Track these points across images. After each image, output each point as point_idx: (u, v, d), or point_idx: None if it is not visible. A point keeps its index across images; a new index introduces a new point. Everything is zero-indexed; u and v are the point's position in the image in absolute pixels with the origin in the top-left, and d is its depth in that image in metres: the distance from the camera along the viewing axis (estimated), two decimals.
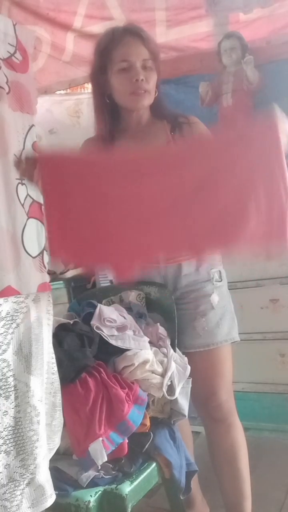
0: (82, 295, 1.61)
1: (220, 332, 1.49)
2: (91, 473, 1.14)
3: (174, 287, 1.50)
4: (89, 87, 3.60)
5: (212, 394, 1.50)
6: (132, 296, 1.49)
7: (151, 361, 1.28)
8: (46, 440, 1.04)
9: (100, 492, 1.14)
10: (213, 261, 1.51)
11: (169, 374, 1.30)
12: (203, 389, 1.51)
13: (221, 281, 1.52)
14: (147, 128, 1.52)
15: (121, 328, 1.31)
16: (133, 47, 1.41)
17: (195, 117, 1.53)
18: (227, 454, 1.50)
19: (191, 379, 1.38)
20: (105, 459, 1.12)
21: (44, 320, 1.06)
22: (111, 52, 1.42)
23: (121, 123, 1.54)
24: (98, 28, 2.59)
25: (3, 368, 0.96)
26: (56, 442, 1.11)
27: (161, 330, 1.41)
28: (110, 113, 1.53)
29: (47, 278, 1.06)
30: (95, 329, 1.27)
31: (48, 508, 1.02)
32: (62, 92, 3.29)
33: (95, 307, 1.34)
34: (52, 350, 1.09)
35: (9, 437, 0.97)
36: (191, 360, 1.50)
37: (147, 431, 1.26)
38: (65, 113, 3.34)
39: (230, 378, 1.53)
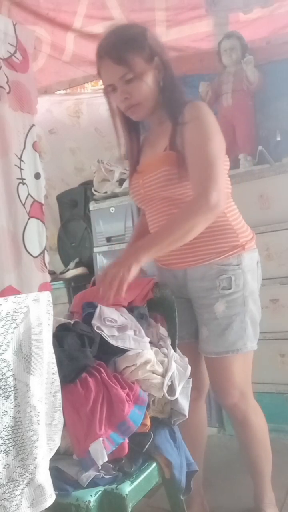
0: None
1: (223, 343, 1.45)
2: (92, 473, 1.14)
3: (185, 290, 1.51)
4: (89, 87, 3.62)
5: (220, 397, 1.55)
6: None
7: (152, 361, 1.28)
8: (46, 440, 1.04)
9: (100, 492, 1.14)
10: (224, 266, 1.44)
11: (169, 374, 1.29)
12: (214, 390, 1.57)
13: (230, 289, 1.43)
14: (160, 128, 1.49)
15: (122, 328, 1.31)
16: (107, 71, 1.39)
17: (193, 110, 1.39)
18: (243, 445, 1.60)
19: (191, 379, 1.38)
20: (106, 459, 1.12)
21: (44, 320, 1.05)
22: (101, 77, 1.45)
23: (144, 124, 1.56)
24: (98, 28, 2.59)
25: (2, 368, 0.96)
26: (56, 442, 1.11)
27: (162, 330, 1.41)
28: (128, 122, 1.52)
29: (48, 278, 1.06)
30: (95, 329, 1.27)
31: (48, 508, 1.02)
32: (62, 92, 3.29)
33: (95, 307, 1.34)
34: (52, 350, 1.09)
35: (9, 437, 0.97)
36: (206, 360, 1.54)
37: (147, 431, 1.26)
38: (65, 113, 3.34)
39: (243, 384, 1.50)
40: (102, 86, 1.46)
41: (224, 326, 1.44)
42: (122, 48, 1.35)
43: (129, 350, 1.28)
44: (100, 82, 3.77)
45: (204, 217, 1.30)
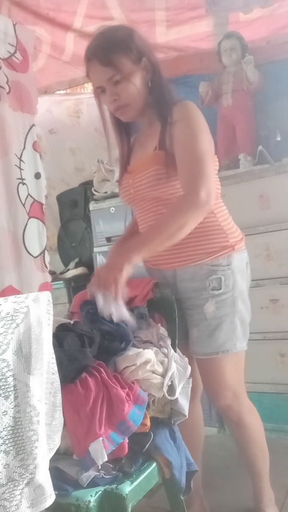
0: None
1: (212, 344, 1.44)
2: (91, 473, 1.14)
3: (174, 291, 1.49)
4: (89, 87, 3.62)
5: (212, 398, 1.55)
6: None
7: (152, 361, 1.28)
8: (46, 440, 1.04)
9: (100, 492, 1.14)
10: (214, 267, 1.43)
11: (169, 374, 1.29)
12: (206, 391, 1.57)
13: (220, 289, 1.43)
14: (150, 129, 1.49)
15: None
16: (95, 73, 1.40)
17: (181, 109, 1.39)
18: (239, 445, 1.60)
19: (191, 379, 1.38)
20: (105, 459, 1.12)
21: (44, 320, 1.05)
22: (90, 79, 1.46)
23: (131, 128, 1.56)
24: (98, 28, 2.59)
25: (2, 368, 0.96)
26: (56, 442, 1.11)
27: (162, 330, 1.41)
28: (119, 123, 1.53)
29: (48, 278, 1.06)
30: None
31: (48, 508, 1.02)
32: (62, 92, 3.29)
33: (93, 304, 1.34)
34: (52, 350, 1.09)
35: (9, 437, 0.97)
36: (197, 362, 1.53)
37: (147, 431, 1.26)
38: (65, 113, 3.34)
39: (235, 383, 1.50)
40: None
41: (214, 327, 1.44)
42: (109, 50, 1.36)
43: (129, 349, 1.28)
44: None
45: (195, 214, 1.30)
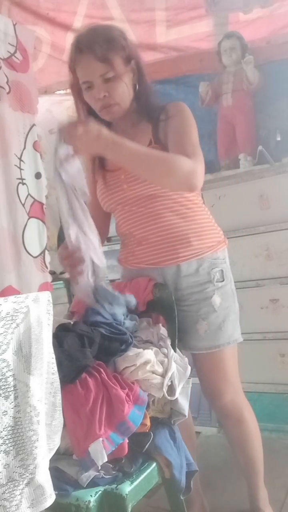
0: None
1: (223, 335, 1.48)
2: (91, 473, 1.14)
3: (174, 288, 1.49)
4: None
5: (216, 395, 1.54)
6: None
7: (152, 361, 1.28)
8: (46, 440, 1.04)
9: (100, 492, 1.14)
10: (215, 260, 1.49)
11: (169, 374, 1.29)
12: (208, 389, 1.56)
13: (223, 281, 1.49)
14: (134, 129, 1.49)
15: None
16: (87, 66, 1.38)
17: (176, 106, 1.46)
18: (239, 444, 1.59)
19: (191, 379, 1.38)
20: (105, 459, 1.12)
21: (44, 320, 1.05)
22: (75, 73, 1.43)
23: (112, 127, 1.50)
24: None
25: (2, 368, 0.96)
26: (56, 442, 1.11)
27: (162, 330, 1.41)
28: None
29: (49, 278, 1.05)
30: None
31: (48, 508, 1.02)
32: (62, 92, 3.29)
33: (99, 313, 1.35)
34: (52, 350, 1.09)
35: (9, 437, 0.97)
36: (196, 361, 1.53)
37: (147, 431, 1.26)
38: (65, 113, 3.34)
39: (236, 378, 1.53)
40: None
41: (223, 318, 1.48)
42: (105, 47, 1.35)
43: (129, 350, 1.28)
44: None
45: (180, 179, 1.33)
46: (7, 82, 1.00)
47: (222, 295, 1.48)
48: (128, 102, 1.44)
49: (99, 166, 1.56)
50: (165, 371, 1.30)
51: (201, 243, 1.48)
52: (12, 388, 0.97)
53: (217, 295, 1.47)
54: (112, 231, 2.65)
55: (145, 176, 1.37)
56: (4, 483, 0.96)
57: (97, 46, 1.35)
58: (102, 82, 1.38)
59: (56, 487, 1.05)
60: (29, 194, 1.03)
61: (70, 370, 1.19)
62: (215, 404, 1.56)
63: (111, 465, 1.18)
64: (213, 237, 1.51)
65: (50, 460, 1.06)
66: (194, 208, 1.50)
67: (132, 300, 1.42)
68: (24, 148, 1.03)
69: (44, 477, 1.01)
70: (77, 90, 1.46)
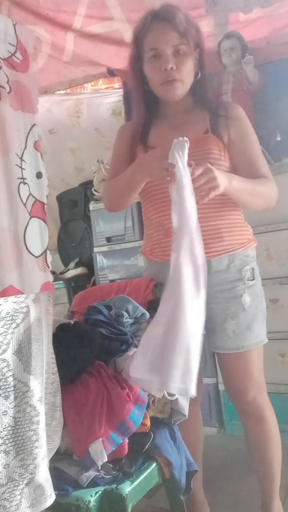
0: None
1: (251, 335, 1.43)
2: (91, 473, 1.14)
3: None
4: (89, 87, 3.62)
5: (239, 392, 1.50)
6: None
7: None
8: (46, 440, 1.04)
9: (100, 492, 1.14)
10: (246, 258, 1.45)
11: None
12: (232, 387, 1.52)
13: (253, 279, 1.45)
14: (187, 116, 1.47)
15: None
16: (161, 34, 1.36)
17: (237, 109, 1.49)
18: (257, 444, 1.54)
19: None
20: (105, 459, 1.12)
21: (44, 320, 1.06)
22: (142, 40, 1.41)
23: (160, 110, 1.51)
24: (98, 28, 2.59)
25: (2, 368, 0.96)
26: (56, 442, 1.11)
27: None
28: (147, 100, 1.49)
29: (50, 278, 1.05)
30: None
31: (49, 508, 1.02)
32: (62, 92, 3.29)
33: (101, 312, 1.35)
34: (52, 350, 1.09)
35: (9, 437, 0.97)
36: (221, 359, 1.51)
37: (147, 431, 1.26)
38: (65, 113, 3.34)
39: (261, 378, 1.49)
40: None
41: (251, 318, 1.43)
42: (185, 21, 1.36)
43: (129, 350, 1.28)
44: (100, 81, 3.77)
45: (270, 203, 1.47)
46: (7, 82, 1.00)
47: (252, 294, 1.44)
48: (189, 85, 1.42)
49: (141, 143, 1.50)
50: None
51: (233, 239, 1.44)
52: (12, 388, 0.97)
53: (247, 294, 1.43)
54: (112, 231, 2.68)
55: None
56: (4, 483, 0.96)
57: (177, 18, 1.35)
58: (174, 53, 1.36)
59: (56, 487, 1.05)
60: (30, 193, 1.03)
61: (70, 370, 1.19)
62: (237, 401, 1.51)
63: (111, 465, 1.18)
64: (245, 234, 1.49)
65: (50, 460, 1.06)
66: (228, 203, 1.44)
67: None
68: (25, 148, 1.03)
69: (44, 477, 1.01)
70: (136, 61, 1.43)
